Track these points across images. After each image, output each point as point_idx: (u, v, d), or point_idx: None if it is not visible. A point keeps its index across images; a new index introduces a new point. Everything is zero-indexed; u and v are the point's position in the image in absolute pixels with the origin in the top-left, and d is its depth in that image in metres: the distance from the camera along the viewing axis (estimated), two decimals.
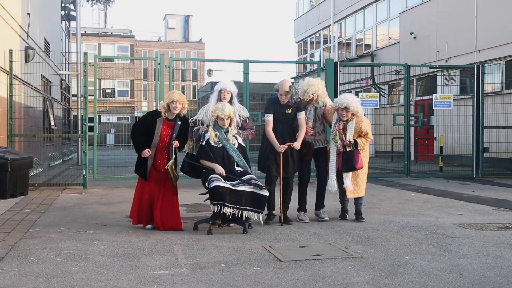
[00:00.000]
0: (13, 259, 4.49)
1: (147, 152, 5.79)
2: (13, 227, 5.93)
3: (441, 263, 4.43)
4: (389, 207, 7.70)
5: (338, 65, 12.12)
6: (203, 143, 5.86)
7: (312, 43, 30.08)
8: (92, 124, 10.66)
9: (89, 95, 10.49)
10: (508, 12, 14.98)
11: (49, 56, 16.79)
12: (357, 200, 6.50)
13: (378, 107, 13.29)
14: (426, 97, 17.99)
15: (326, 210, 6.66)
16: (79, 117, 15.95)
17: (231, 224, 5.92)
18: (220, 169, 5.66)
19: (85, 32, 41.73)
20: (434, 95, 12.94)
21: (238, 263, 4.43)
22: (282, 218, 6.23)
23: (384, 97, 20.00)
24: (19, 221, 6.33)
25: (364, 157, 6.47)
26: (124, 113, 42.21)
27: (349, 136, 6.34)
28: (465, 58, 16.34)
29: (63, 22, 23.63)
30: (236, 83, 6.58)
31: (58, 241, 5.25)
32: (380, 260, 4.55)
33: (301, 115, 6.35)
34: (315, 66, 15.70)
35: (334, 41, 27.13)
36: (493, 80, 15.22)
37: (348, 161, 6.31)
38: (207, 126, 6.03)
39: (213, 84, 14.04)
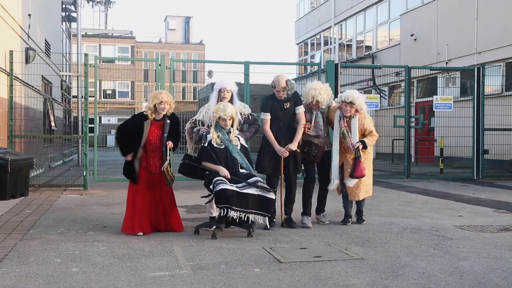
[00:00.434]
0: (13, 260, 4.49)
1: (130, 157, 5.65)
2: (13, 228, 5.93)
3: (441, 265, 4.43)
4: (389, 208, 7.70)
5: (339, 67, 12.13)
6: (205, 145, 5.69)
7: (312, 44, 30.09)
8: (92, 125, 10.66)
9: (90, 96, 10.49)
10: (508, 14, 14.99)
11: (50, 57, 16.81)
12: (359, 201, 6.41)
13: (378, 108, 13.30)
14: (426, 99, 17.98)
15: (326, 212, 6.58)
16: (80, 118, 15.95)
17: (231, 226, 5.79)
18: (224, 171, 5.51)
19: (85, 33, 41.76)
20: (434, 96, 12.94)
21: (238, 264, 4.42)
22: (282, 219, 6.13)
23: (385, 98, 19.99)
24: (19, 222, 6.33)
25: (368, 159, 6.32)
26: (125, 114, 42.15)
27: (355, 137, 6.15)
28: (465, 60, 16.35)
29: (64, 23, 23.65)
30: (237, 84, 6.36)
31: (58, 242, 5.25)
32: (380, 261, 4.54)
33: (300, 109, 6.13)
34: (316, 68, 15.73)
35: (335, 42, 27.14)
36: (493, 82, 15.23)
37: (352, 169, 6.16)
38: (208, 126, 5.88)
39: (213, 85, 14.06)
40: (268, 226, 5.73)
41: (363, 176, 6.15)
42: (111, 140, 22.86)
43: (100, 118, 34.61)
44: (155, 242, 5.29)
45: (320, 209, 6.51)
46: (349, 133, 6.17)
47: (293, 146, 6.03)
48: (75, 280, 3.94)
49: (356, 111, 6.18)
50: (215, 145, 5.66)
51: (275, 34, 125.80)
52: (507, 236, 5.71)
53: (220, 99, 5.98)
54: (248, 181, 5.51)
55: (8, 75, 10.13)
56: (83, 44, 23.43)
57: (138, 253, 4.81)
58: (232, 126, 5.75)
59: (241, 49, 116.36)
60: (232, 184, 5.42)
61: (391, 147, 15.65)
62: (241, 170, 5.67)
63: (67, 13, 24.09)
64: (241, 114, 6.00)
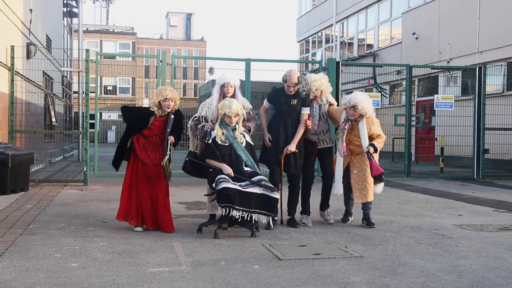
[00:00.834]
0: (13, 255, 4.50)
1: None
2: (13, 223, 5.94)
3: (440, 264, 4.44)
4: (389, 207, 7.70)
5: (340, 65, 12.12)
6: (209, 142, 5.55)
7: (314, 42, 30.06)
8: (93, 121, 10.67)
9: (91, 92, 10.49)
10: (510, 13, 14.97)
11: (51, 53, 16.79)
12: (365, 205, 6.14)
13: (379, 107, 13.28)
14: (427, 98, 17.98)
15: (329, 209, 6.42)
16: (80, 114, 15.96)
17: (235, 226, 5.57)
18: (228, 169, 5.38)
19: (87, 29, 41.77)
20: (435, 95, 12.93)
21: (237, 261, 4.43)
22: (282, 217, 6.04)
23: (386, 97, 19.99)
24: (19, 217, 6.34)
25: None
26: None
27: (364, 141, 5.96)
28: (467, 59, 16.33)
29: (65, 18, 23.62)
30: None
31: (58, 237, 5.26)
32: (380, 260, 4.55)
33: (305, 111, 5.97)
34: (317, 66, 15.71)
35: (336, 40, 27.12)
36: (494, 82, 15.22)
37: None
38: (212, 122, 5.73)
39: (214, 82, 14.07)
40: (272, 226, 5.61)
41: (381, 172, 5.95)
42: (111, 136, 22.86)
43: (100, 114, 34.60)
44: (155, 238, 5.30)
45: (324, 205, 6.36)
46: (344, 137, 6.04)
47: (292, 147, 5.89)
48: (75, 275, 3.95)
49: (362, 116, 5.98)
50: (219, 142, 5.53)
51: (276, 32, 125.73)
52: (507, 235, 5.72)
53: (222, 94, 5.83)
54: (252, 179, 5.40)
55: (9, 70, 10.12)
56: (84, 39, 23.44)
57: (138, 248, 4.82)
58: (237, 122, 5.60)
59: (242, 46, 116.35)
60: (235, 183, 5.29)
61: (392, 146, 15.65)
62: (246, 168, 5.53)
63: (68, 9, 24.07)
64: (244, 108, 5.85)
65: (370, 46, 24.12)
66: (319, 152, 6.21)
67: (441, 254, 4.78)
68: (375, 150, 5.99)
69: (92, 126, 10.97)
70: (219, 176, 5.30)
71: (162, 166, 5.53)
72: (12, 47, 10.12)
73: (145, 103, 41.31)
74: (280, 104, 5.97)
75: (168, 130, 5.62)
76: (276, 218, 5.77)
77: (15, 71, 10.24)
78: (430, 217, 6.85)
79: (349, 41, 26.30)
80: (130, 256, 4.54)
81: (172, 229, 5.57)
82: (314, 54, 30.03)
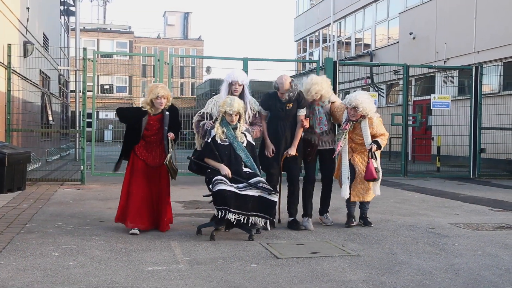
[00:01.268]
0: (11, 253, 4.50)
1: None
2: (10, 222, 5.94)
3: (437, 262, 4.46)
4: (386, 206, 7.73)
5: (337, 64, 12.13)
6: (208, 140, 5.40)
7: (311, 41, 30.08)
8: (90, 120, 10.66)
9: (88, 91, 10.48)
10: (507, 14, 15.02)
11: (48, 51, 16.77)
12: (363, 204, 6.10)
13: (376, 106, 13.26)
14: (424, 98, 18.00)
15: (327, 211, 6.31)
16: (77, 113, 15.94)
17: (233, 228, 5.38)
18: (225, 170, 5.21)
19: (84, 27, 41.69)
20: (432, 95, 12.97)
21: (235, 259, 4.44)
22: (279, 216, 5.99)
23: (383, 96, 20.02)
24: (16, 216, 6.34)
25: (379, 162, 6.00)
26: None
27: (367, 140, 5.83)
28: (463, 59, 16.38)
29: (62, 17, 23.57)
30: None
31: (55, 236, 5.26)
32: (377, 258, 4.57)
33: (301, 113, 5.84)
34: (314, 65, 15.73)
35: (334, 40, 27.15)
36: (491, 82, 15.26)
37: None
38: (214, 121, 5.58)
39: (212, 81, 14.03)
40: (269, 228, 5.39)
41: (373, 178, 5.80)
42: (108, 135, 22.84)
43: (97, 112, 34.53)
44: (152, 237, 5.30)
45: (324, 210, 6.24)
46: (344, 136, 5.90)
47: (292, 151, 5.79)
48: (73, 273, 3.95)
49: (363, 116, 5.86)
50: (218, 141, 5.36)
51: (274, 31, 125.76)
52: (502, 234, 5.75)
53: (230, 92, 5.64)
54: (249, 181, 5.20)
55: (6, 69, 10.11)
56: (81, 38, 23.41)
57: (135, 247, 4.83)
58: (238, 121, 5.42)
59: (239, 46, 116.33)
60: (232, 184, 5.13)
61: (389, 145, 15.68)
62: (245, 169, 5.34)
63: (65, 7, 24.01)
64: (251, 109, 5.70)
65: (367, 45, 24.15)
66: (319, 153, 6.06)
67: (438, 253, 4.81)
68: (379, 147, 5.88)
69: (89, 125, 10.95)
70: (216, 178, 5.15)
71: (165, 164, 5.47)
72: (9, 46, 10.10)
73: (141, 101, 41.11)
74: (276, 110, 5.83)
75: (166, 127, 5.54)
76: (274, 220, 5.66)
77: (12, 69, 10.22)
78: (426, 216, 6.87)
79: (346, 40, 26.33)
80: (128, 255, 4.54)
81: (166, 229, 5.53)
82: (311, 54, 30.05)
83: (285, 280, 3.89)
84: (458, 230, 5.95)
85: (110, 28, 49.94)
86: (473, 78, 12.59)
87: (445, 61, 17.38)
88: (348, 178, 5.90)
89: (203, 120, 5.76)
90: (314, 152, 6.01)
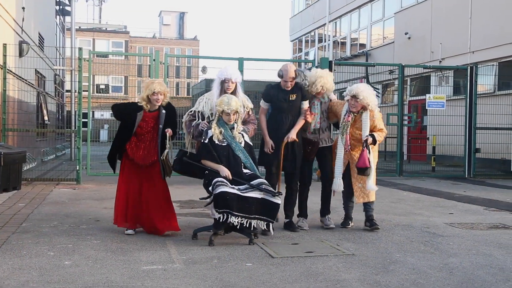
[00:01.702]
0: (6, 253, 4.50)
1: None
2: (6, 221, 5.93)
3: (431, 261, 4.48)
4: (381, 205, 7.74)
5: (333, 64, 12.17)
6: (206, 141, 5.16)
7: (307, 41, 30.12)
8: (85, 120, 10.65)
9: (83, 91, 10.47)
10: (502, 14, 15.08)
11: (43, 51, 16.73)
12: (367, 205, 5.89)
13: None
14: (419, 97, 18.07)
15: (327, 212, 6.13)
16: (73, 113, 15.90)
17: (231, 232, 5.15)
18: (225, 171, 4.99)
19: (79, 27, 41.52)
20: (427, 95, 13.02)
21: (230, 259, 4.46)
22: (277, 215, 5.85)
23: (378, 96, 20.03)
24: (12, 216, 6.33)
25: (373, 157, 5.80)
26: None
27: (365, 133, 5.68)
28: (459, 59, 16.43)
29: (58, 17, 23.52)
30: None
31: (51, 235, 5.26)
32: (371, 257, 4.59)
33: (305, 105, 5.67)
34: (310, 65, 15.78)
35: (329, 40, 27.19)
36: (486, 82, 15.33)
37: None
38: (208, 121, 5.38)
39: (207, 81, 14.02)
40: (272, 232, 5.20)
41: (365, 166, 5.55)
42: (104, 134, 22.80)
43: (93, 112, 34.45)
44: (148, 236, 5.31)
45: (325, 211, 6.01)
46: (348, 129, 5.76)
47: (292, 134, 5.55)
48: (68, 272, 3.96)
49: (364, 108, 5.71)
50: (216, 141, 5.13)
51: (269, 31, 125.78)
52: (497, 233, 5.78)
53: (223, 90, 5.47)
54: (251, 183, 4.99)
55: (1, 68, 10.08)
56: (76, 38, 23.32)
57: (131, 247, 4.83)
58: (236, 121, 5.22)
59: (235, 46, 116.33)
60: (233, 186, 4.90)
61: (384, 145, 15.74)
62: (244, 170, 5.15)
63: (61, 7, 23.97)
64: (244, 107, 5.49)
65: (362, 45, 24.19)
66: (318, 151, 5.92)
67: (432, 252, 4.83)
68: (374, 141, 5.74)
69: (85, 124, 10.94)
70: (216, 179, 4.91)
71: (161, 160, 5.30)
72: (5, 45, 10.07)
73: (138, 97, 40.95)
74: (279, 101, 5.63)
75: (161, 126, 5.35)
76: (275, 222, 5.44)
77: (7, 69, 10.20)
78: (421, 216, 6.90)
79: (342, 40, 26.37)
80: (123, 254, 4.55)
81: (178, 229, 5.35)
82: (307, 54, 30.07)
83: (280, 279, 3.90)
84: (453, 229, 5.98)
85: (106, 28, 49.81)
86: (468, 78, 12.64)
87: (440, 61, 17.44)
88: (341, 172, 5.79)
89: (195, 119, 5.56)
90: (315, 151, 5.88)
